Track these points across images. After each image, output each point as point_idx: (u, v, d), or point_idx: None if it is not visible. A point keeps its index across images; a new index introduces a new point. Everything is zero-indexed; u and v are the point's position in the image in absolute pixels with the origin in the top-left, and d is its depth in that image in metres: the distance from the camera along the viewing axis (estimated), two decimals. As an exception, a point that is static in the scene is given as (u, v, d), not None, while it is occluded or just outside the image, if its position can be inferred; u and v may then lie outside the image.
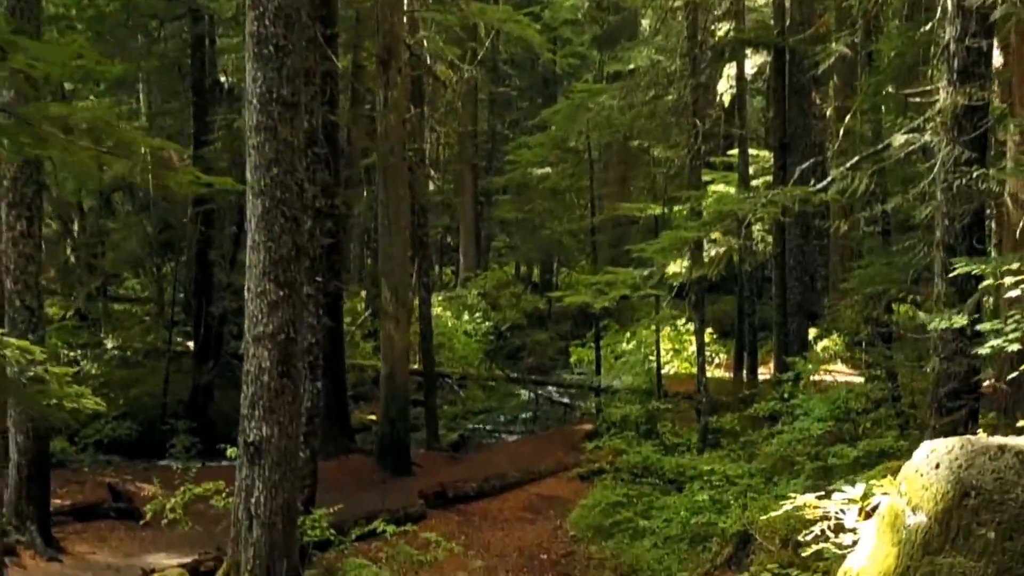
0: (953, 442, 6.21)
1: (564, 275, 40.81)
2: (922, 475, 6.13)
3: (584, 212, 31.18)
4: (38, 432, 14.48)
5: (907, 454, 13.07)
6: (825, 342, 27.37)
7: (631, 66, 24.94)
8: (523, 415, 28.16)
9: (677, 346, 29.43)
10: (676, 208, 26.06)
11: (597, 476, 18.79)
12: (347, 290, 32.86)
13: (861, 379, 20.23)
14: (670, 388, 24.95)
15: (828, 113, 24.94)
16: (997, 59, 12.03)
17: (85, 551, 14.11)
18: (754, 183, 26.76)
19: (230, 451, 12.13)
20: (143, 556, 13.85)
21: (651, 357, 24.12)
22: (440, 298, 34.80)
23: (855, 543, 6.73)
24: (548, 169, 30.71)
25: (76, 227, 31.38)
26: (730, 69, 26.86)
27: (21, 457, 14.35)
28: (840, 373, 22.79)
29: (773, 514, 8.35)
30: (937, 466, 6.10)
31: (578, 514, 16.97)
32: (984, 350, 7.93)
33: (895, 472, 10.43)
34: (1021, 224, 10.36)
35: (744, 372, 24.86)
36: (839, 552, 6.91)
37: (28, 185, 14.73)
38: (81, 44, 12.28)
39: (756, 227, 23.61)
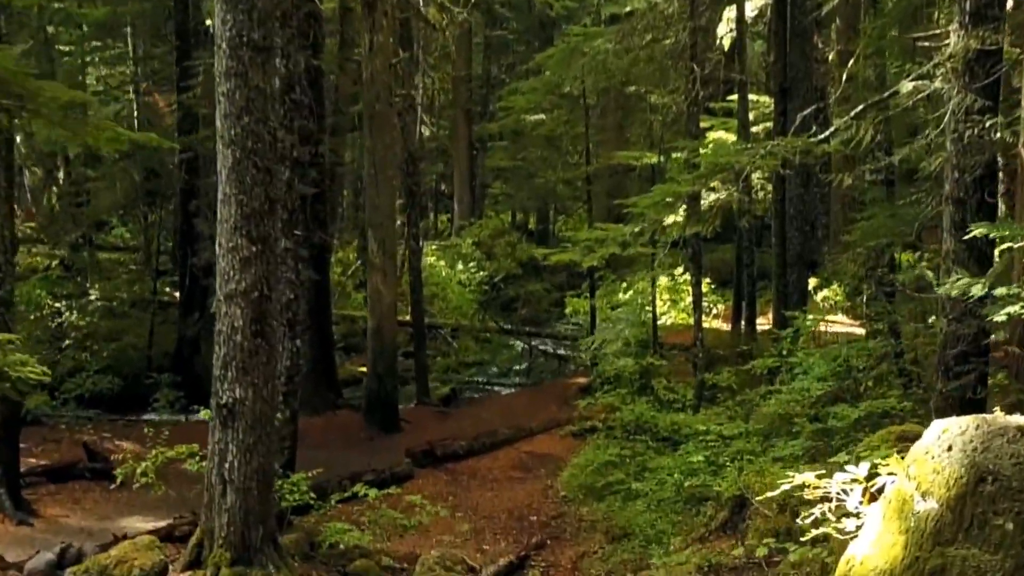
0: (967, 421, 5.73)
1: (561, 223, 40.29)
2: (933, 457, 5.69)
3: (580, 160, 30.51)
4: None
5: (910, 415, 12.62)
6: (825, 292, 26.94)
7: (628, 8, 24.22)
8: (516, 367, 27.76)
9: (674, 296, 28.99)
10: (674, 156, 25.42)
11: (590, 434, 18.35)
12: (339, 239, 32.38)
13: (862, 331, 19.78)
14: (667, 339, 24.56)
15: (831, 57, 24.32)
16: (1011, 0, 11.39)
17: (57, 514, 13.66)
18: (754, 129, 26.19)
19: (203, 413, 11.60)
20: (117, 519, 13.41)
21: (648, 308, 23.60)
22: (434, 247, 34.33)
23: (859, 528, 6.23)
24: (542, 116, 30.09)
25: (61, 175, 30.85)
26: (730, 11, 26.10)
27: (-12, 418, 13.82)
28: (840, 324, 22.33)
29: (770, 494, 7.83)
30: (950, 448, 5.66)
31: (569, 473, 16.57)
32: (1000, 316, 7.35)
33: (899, 439, 10.00)
34: (1036, 176, 9.78)
35: (742, 323, 24.42)
36: (841, 538, 6.40)
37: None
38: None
39: (756, 175, 23.03)
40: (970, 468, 5.50)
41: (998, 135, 9.74)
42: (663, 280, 27.15)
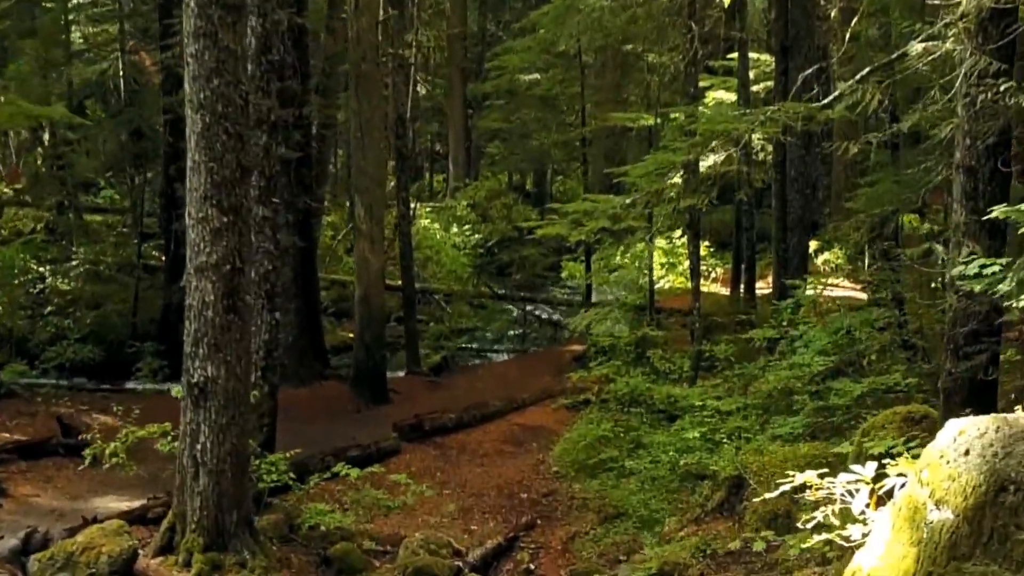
0: (987, 423, 5.20)
1: (559, 183, 39.62)
2: (948, 462, 5.18)
3: (576, 121, 29.82)
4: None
5: (915, 391, 12.06)
6: (826, 255, 26.40)
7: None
8: (511, 333, 27.23)
9: (672, 260, 28.42)
10: (672, 116, 24.75)
11: (584, 406, 17.84)
12: (332, 202, 31.74)
13: (864, 295, 19.25)
14: (664, 304, 24.11)
15: (832, 15, 23.63)
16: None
17: (28, 493, 13.12)
18: (755, 88, 25.55)
19: (175, 391, 11.06)
20: (90, 499, 12.88)
21: (645, 271, 23.06)
22: (428, 209, 33.69)
23: (865, 536, 5.72)
24: (537, 75, 29.36)
25: (46, 136, 30.18)
26: (730, -33, 25.40)
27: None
28: (841, 287, 21.80)
29: (768, 496, 7.31)
30: (967, 452, 5.15)
31: (562, 448, 16.13)
32: (1021, 303, 6.77)
33: (904, 421, 9.48)
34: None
35: (742, 288, 23.90)
36: (846, 546, 5.89)
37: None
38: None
39: (756, 136, 22.41)
40: (990, 475, 5.00)
41: (1013, 100, 9.11)
42: (661, 242, 26.56)
